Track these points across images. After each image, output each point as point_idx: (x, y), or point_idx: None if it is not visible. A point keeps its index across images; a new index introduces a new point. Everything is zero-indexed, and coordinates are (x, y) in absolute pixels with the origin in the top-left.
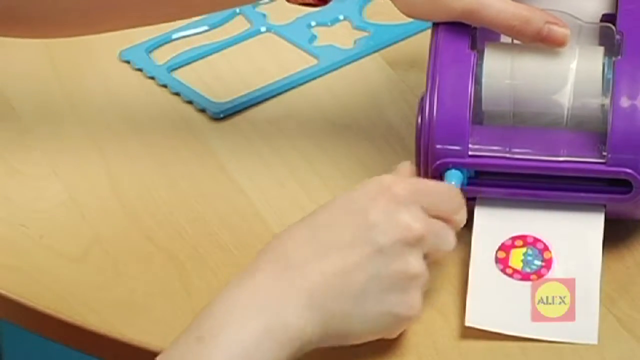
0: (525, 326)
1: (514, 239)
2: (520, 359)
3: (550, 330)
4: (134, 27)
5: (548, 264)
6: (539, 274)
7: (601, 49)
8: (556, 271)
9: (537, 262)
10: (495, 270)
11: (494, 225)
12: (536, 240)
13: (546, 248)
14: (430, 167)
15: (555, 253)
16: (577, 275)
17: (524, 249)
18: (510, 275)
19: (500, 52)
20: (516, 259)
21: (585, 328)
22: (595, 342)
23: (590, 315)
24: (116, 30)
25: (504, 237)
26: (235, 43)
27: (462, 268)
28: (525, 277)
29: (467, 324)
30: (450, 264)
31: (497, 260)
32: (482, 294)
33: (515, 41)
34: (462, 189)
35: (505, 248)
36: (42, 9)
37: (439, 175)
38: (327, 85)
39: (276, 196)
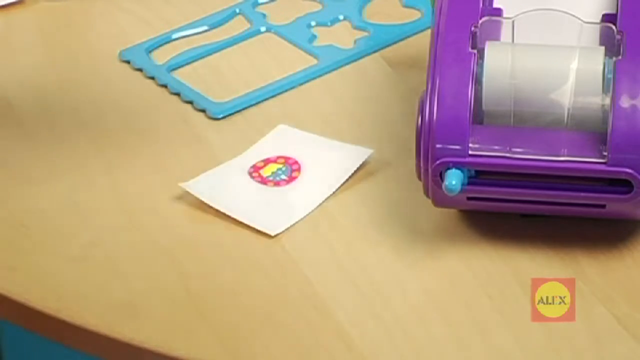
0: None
1: (280, 157)
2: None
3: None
4: None
5: (291, 180)
6: (276, 183)
7: (602, 49)
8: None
9: (283, 177)
10: (245, 170)
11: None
12: (296, 162)
13: (298, 169)
14: (431, 166)
15: (302, 173)
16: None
17: (280, 165)
18: (253, 178)
19: (501, 51)
20: (268, 170)
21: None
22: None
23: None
24: None
25: (272, 153)
26: (235, 43)
27: None
28: (264, 181)
29: (182, 184)
30: None
31: (253, 166)
32: (216, 177)
33: (516, 40)
34: (462, 189)
35: (267, 161)
36: None
37: (439, 175)
38: (327, 85)
39: None
